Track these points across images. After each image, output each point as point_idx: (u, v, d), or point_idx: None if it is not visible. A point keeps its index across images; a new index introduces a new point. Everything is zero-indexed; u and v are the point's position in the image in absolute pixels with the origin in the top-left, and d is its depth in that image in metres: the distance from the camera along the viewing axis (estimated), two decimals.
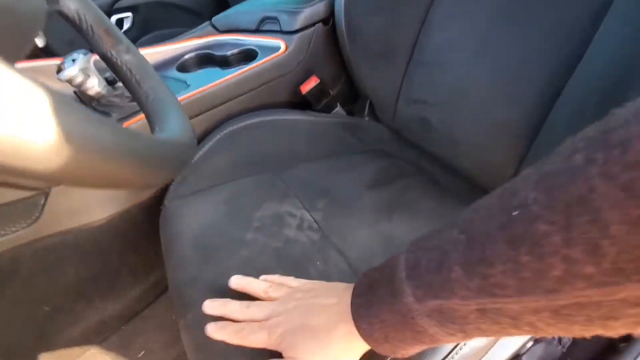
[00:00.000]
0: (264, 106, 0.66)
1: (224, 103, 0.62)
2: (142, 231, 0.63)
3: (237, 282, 0.36)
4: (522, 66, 0.46)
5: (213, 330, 0.31)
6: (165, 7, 1.20)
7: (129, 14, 1.16)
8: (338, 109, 0.72)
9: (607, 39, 0.38)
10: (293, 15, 0.62)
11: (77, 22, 0.33)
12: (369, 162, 0.62)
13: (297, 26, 0.62)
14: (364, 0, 0.59)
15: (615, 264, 0.13)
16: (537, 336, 0.17)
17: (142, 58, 0.33)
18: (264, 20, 0.66)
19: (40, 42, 0.61)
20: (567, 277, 0.14)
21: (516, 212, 0.16)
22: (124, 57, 0.33)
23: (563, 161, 0.15)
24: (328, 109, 0.71)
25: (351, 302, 0.25)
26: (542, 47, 0.44)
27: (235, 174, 0.57)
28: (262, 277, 0.37)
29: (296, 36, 0.63)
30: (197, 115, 0.60)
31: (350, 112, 0.79)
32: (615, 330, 0.15)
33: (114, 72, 0.33)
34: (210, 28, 0.71)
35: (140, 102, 0.32)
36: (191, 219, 0.51)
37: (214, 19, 0.71)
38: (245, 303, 0.32)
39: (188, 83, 0.61)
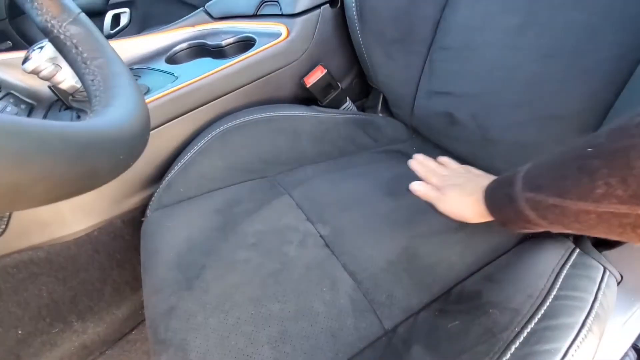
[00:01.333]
0: (262, 101, 0.58)
1: (217, 98, 0.54)
2: (127, 244, 0.56)
3: (417, 160, 0.46)
4: (582, 42, 0.37)
5: (414, 165, 0.45)
6: (164, 1, 1.14)
7: (126, 9, 1.10)
8: (348, 103, 0.64)
9: None
10: None
11: None
12: (385, 165, 0.54)
13: (300, 8, 0.54)
14: None
15: (635, 191, 0.20)
16: (591, 234, 0.26)
17: (94, 31, 0.26)
18: (262, 3, 0.58)
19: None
20: (606, 195, 0.22)
21: (590, 150, 0.23)
22: (70, 29, 0.25)
23: (630, 118, 0.21)
24: (336, 104, 0.62)
25: (484, 188, 0.35)
26: (611, 15, 0.34)
27: (228, 179, 0.49)
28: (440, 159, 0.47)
29: (299, 20, 0.55)
30: (187, 112, 0.52)
31: (361, 108, 0.71)
32: None
33: (57, 48, 0.26)
34: (203, 15, 0.63)
35: (85, 85, 0.24)
36: (175, 232, 0.43)
37: (207, 4, 0.63)
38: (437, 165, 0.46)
39: (176, 75, 0.53)
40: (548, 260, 0.35)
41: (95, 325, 0.57)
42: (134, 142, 0.20)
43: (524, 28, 0.42)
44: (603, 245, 0.39)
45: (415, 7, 0.50)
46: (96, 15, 1.08)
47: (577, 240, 0.39)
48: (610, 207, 0.22)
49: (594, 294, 0.32)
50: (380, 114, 0.66)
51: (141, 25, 1.12)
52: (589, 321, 0.29)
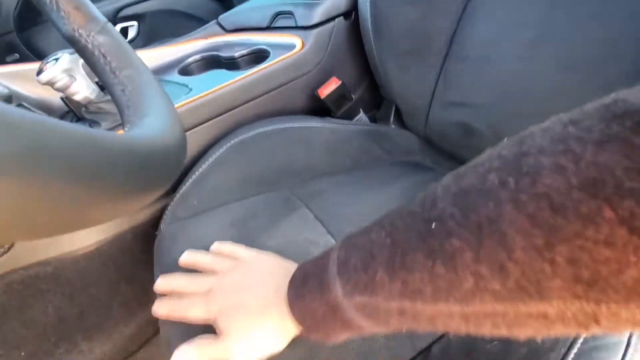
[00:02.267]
0: (276, 112, 0.57)
1: (231, 110, 0.53)
2: (136, 259, 0.54)
3: (186, 257, 0.35)
4: (602, 54, 0.37)
5: (156, 307, 0.31)
6: (172, 15, 1.15)
7: (134, 22, 1.11)
8: (361, 115, 0.63)
9: None
10: (310, 8, 0.54)
11: None
12: (401, 176, 0.53)
13: (314, 20, 0.54)
14: None
15: (518, 283, 0.14)
16: (452, 332, 0.19)
17: (122, 41, 0.25)
18: (277, 15, 0.58)
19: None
20: (476, 291, 0.16)
21: (434, 225, 0.17)
22: (98, 38, 0.25)
23: (479, 179, 0.16)
24: (350, 116, 0.62)
25: (287, 292, 0.26)
26: (631, 27, 0.34)
27: (244, 192, 0.48)
28: (213, 246, 0.37)
29: (314, 32, 0.55)
30: (201, 123, 0.51)
31: (372, 119, 0.70)
32: (520, 335, 0.16)
33: (84, 58, 0.25)
34: (216, 27, 0.63)
35: (114, 96, 0.23)
36: (191, 247, 0.41)
37: (220, 17, 0.63)
38: (191, 275, 0.32)
39: (190, 87, 0.53)
40: None
41: (101, 344, 0.55)
42: (180, 150, 0.19)
43: (541, 40, 0.42)
44: None
45: (430, 19, 0.50)
46: None
47: None
48: (482, 306, 0.16)
49: None
50: (393, 125, 0.66)
51: (148, 39, 1.13)
52: (633, 340, 0.28)
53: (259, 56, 0.59)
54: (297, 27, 0.56)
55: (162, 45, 0.60)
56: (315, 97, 0.59)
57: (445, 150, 0.57)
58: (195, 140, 0.52)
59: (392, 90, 0.60)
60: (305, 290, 0.24)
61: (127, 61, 0.24)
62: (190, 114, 0.50)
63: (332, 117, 0.60)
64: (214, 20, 0.64)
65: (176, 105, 0.49)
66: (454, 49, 0.51)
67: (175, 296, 0.31)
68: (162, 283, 0.33)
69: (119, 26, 1.09)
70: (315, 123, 0.55)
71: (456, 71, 0.51)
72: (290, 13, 0.56)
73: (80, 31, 0.25)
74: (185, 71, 0.60)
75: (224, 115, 0.53)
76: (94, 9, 0.26)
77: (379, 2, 0.52)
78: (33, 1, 0.25)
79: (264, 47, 0.58)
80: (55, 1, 0.25)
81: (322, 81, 0.58)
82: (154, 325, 0.61)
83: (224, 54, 0.61)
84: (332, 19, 0.56)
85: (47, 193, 0.11)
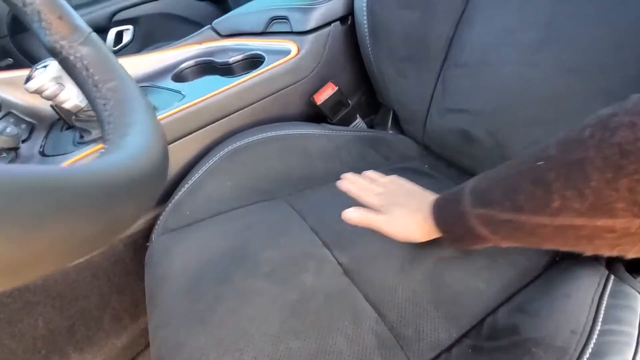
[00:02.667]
0: (272, 119, 0.56)
1: (225, 116, 0.52)
2: (128, 269, 0.53)
3: (346, 185, 0.42)
4: (607, 59, 0.36)
5: (343, 183, 0.42)
6: (168, 18, 1.14)
7: (130, 26, 1.10)
8: (358, 121, 0.62)
9: None
10: (306, 13, 0.54)
11: (20, 4, 0.24)
12: None
13: (310, 25, 0.53)
14: None
15: (592, 204, 0.20)
16: (544, 247, 0.25)
17: (106, 52, 0.24)
18: (272, 20, 0.57)
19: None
20: (562, 208, 0.22)
21: (539, 163, 0.24)
22: (81, 50, 0.23)
23: (578, 132, 0.22)
24: (346, 122, 0.61)
25: (433, 202, 0.34)
26: (637, 31, 0.33)
27: (238, 201, 0.47)
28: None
29: (309, 37, 0.54)
30: (194, 131, 0.50)
31: (370, 125, 0.69)
32: (598, 250, 0.22)
33: (67, 71, 0.24)
34: (210, 32, 0.62)
35: (96, 110, 0.22)
36: (183, 259, 0.40)
37: (215, 22, 0.62)
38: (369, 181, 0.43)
39: (183, 93, 0.52)
40: (583, 288, 0.33)
41: (92, 357, 0.53)
42: (157, 177, 0.18)
43: (544, 44, 0.40)
44: (636, 270, 0.37)
45: (428, 24, 0.49)
46: (99, 32, 1.07)
47: (610, 265, 0.37)
48: (566, 220, 0.22)
49: (637, 327, 0.29)
50: (390, 131, 0.65)
51: (144, 42, 1.11)
52: (638, 358, 0.27)
53: (254, 61, 0.58)
54: (292, 33, 0.55)
55: (155, 51, 0.59)
56: (311, 103, 0.58)
57: (444, 157, 0.56)
58: (188, 148, 0.51)
59: (389, 96, 0.59)
60: (445, 202, 0.33)
61: (111, 74, 0.23)
62: (183, 121, 0.49)
63: (329, 123, 0.59)
64: (209, 25, 0.63)
65: (168, 113, 0.48)
66: (453, 54, 0.50)
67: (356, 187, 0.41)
68: (350, 179, 0.43)
69: (114, 30, 1.07)
70: (311, 130, 0.54)
71: (455, 77, 0.50)
72: (285, 18, 0.55)
73: (62, 42, 0.23)
74: (179, 77, 0.59)
75: (218, 122, 0.52)
76: (78, 18, 0.25)
77: (375, 7, 0.51)
78: (13, 11, 0.24)
79: (259, 52, 0.57)
80: (37, 11, 0.24)
81: (318, 87, 0.57)
82: (145, 337, 0.60)
83: (218, 59, 0.60)
84: (328, 24, 0.55)
85: (26, 242, 0.10)
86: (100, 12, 1.04)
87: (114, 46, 1.09)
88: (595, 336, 0.27)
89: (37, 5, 0.24)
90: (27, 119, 0.50)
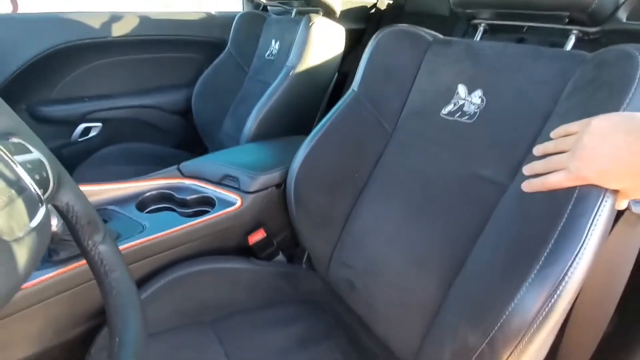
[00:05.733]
0: (213, 250, 0.72)
1: (175, 247, 0.67)
2: None
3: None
4: (427, 255, 0.59)
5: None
6: (135, 122, 1.31)
7: (99, 124, 1.24)
8: (280, 256, 0.80)
9: (488, 243, 0.51)
10: (252, 179, 0.75)
11: (65, 212, 0.39)
12: (301, 317, 0.69)
13: (254, 188, 0.74)
14: (310, 179, 0.73)
15: None
16: None
17: (116, 249, 0.40)
18: (226, 176, 0.77)
19: None
20: None
21: None
22: (100, 247, 0.39)
23: None
24: (270, 257, 0.79)
25: None
26: (441, 243, 0.57)
27: (172, 323, 0.59)
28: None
29: (252, 196, 0.74)
30: (145, 258, 0.64)
31: (290, 256, 0.88)
32: None
33: (86, 259, 0.39)
34: (176, 172, 0.80)
35: (103, 291, 0.37)
36: None
37: (181, 165, 0.80)
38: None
39: (145, 226, 0.66)
40: None
41: None
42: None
43: (394, 235, 0.64)
44: None
45: (334, 205, 0.72)
46: (70, 125, 1.19)
47: None
48: None
49: None
50: (304, 265, 0.84)
51: (109, 140, 1.25)
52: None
53: (206, 201, 0.76)
54: (239, 189, 0.75)
55: (125, 182, 0.74)
56: (245, 240, 0.76)
57: (340, 295, 0.76)
58: (137, 272, 0.64)
59: (305, 242, 0.79)
60: None
61: (117, 266, 0.38)
62: (139, 250, 0.63)
63: (256, 257, 0.77)
64: (175, 166, 0.81)
65: (130, 244, 0.61)
66: (348, 224, 0.72)
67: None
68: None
69: (82, 125, 1.20)
70: (241, 264, 0.71)
71: (348, 241, 0.72)
72: (236, 178, 0.75)
73: (89, 241, 0.39)
74: (142, 205, 0.74)
75: (164, 252, 0.66)
76: (100, 222, 0.41)
77: (300, 186, 0.74)
78: (61, 216, 0.40)
79: (212, 196, 0.75)
80: (76, 216, 0.40)
81: (253, 229, 0.76)
82: None
83: (178, 194, 0.76)
84: (267, 188, 0.76)
85: None
86: (74, 111, 1.18)
87: (79, 138, 1.21)
88: None
89: (77, 212, 0.40)
90: None
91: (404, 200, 0.65)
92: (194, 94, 1.28)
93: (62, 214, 0.39)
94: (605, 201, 0.40)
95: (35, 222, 0.28)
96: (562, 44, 0.58)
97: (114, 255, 0.39)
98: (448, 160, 0.61)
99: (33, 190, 0.29)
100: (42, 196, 0.30)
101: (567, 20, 0.54)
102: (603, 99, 0.43)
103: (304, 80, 1.02)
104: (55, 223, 0.58)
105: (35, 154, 0.35)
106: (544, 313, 0.40)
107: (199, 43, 1.40)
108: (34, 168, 0.34)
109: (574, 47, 0.56)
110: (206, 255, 0.70)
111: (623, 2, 0.49)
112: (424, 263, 0.59)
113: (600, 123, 0.38)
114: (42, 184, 0.34)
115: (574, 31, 0.55)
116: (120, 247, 0.60)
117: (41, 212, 0.29)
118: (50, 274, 0.54)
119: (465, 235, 0.55)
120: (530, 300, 0.40)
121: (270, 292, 0.71)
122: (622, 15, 0.49)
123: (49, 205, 0.37)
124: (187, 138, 1.42)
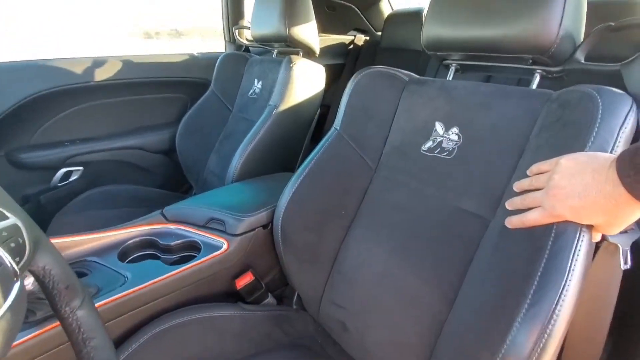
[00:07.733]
0: (199, 298, 0.70)
1: (159, 298, 0.65)
2: None
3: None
4: (417, 293, 0.59)
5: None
6: (117, 164, 1.29)
7: (80, 168, 1.22)
8: (269, 299, 0.78)
9: (475, 279, 0.51)
10: (238, 221, 0.74)
11: (42, 277, 0.38)
12: None
13: (240, 231, 0.73)
14: (297, 218, 0.73)
15: None
16: None
17: (95, 314, 0.38)
18: (211, 220, 0.76)
19: None
20: None
21: None
22: (77, 313, 0.37)
23: None
24: (259, 300, 0.77)
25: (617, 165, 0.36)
26: (430, 280, 0.57)
27: None
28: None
29: (238, 238, 0.73)
30: (125, 313, 0.61)
31: (280, 297, 0.86)
32: None
33: (63, 326, 0.37)
34: (160, 217, 0.79)
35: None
36: None
37: (165, 209, 0.79)
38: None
39: (127, 277, 0.64)
40: None
41: None
42: None
43: (383, 274, 0.64)
44: None
45: (321, 242, 0.72)
46: (51, 169, 1.17)
47: None
48: None
49: None
50: (295, 305, 0.82)
51: (90, 183, 1.22)
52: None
53: (192, 246, 0.74)
54: (225, 232, 0.74)
55: (106, 230, 0.72)
56: (232, 284, 0.74)
57: (332, 336, 0.73)
58: (117, 327, 0.60)
59: (294, 282, 0.78)
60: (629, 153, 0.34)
61: (95, 332, 0.36)
62: (122, 304, 0.60)
63: (244, 302, 0.75)
64: (159, 210, 0.79)
65: (110, 299, 0.59)
66: (337, 263, 0.72)
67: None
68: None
69: (63, 170, 1.18)
70: (228, 311, 0.69)
71: (338, 280, 0.71)
72: (222, 221, 0.75)
73: (65, 308, 0.37)
74: (125, 254, 0.71)
75: (151, 303, 0.64)
76: (80, 286, 0.39)
77: (287, 225, 0.73)
78: (37, 280, 0.38)
79: (198, 241, 0.74)
80: (53, 281, 0.38)
81: (240, 273, 0.74)
82: None
83: (162, 240, 0.75)
84: (254, 229, 0.75)
85: None
86: (55, 156, 1.16)
87: (60, 182, 1.19)
88: None
89: (55, 275, 0.38)
90: None
91: (391, 237, 0.65)
92: (178, 132, 1.28)
93: (39, 280, 0.38)
94: (583, 235, 0.42)
95: (9, 300, 0.27)
96: (528, 81, 0.61)
97: (93, 320, 0.37)
98: (431, 196, 0.62)
99: (8, 263, 0.28)
100: (17, 268, 0.29)
101: (530, 61, 0.57)
102: (569, 136, 0.45)
103: (287, 118, 1.04)
104: (30, 282, 0.56)
105: (11, 219, 0.34)
106: (536, 353, 0.40)
107: (183, 83, 1.42)
108: (10, 235, 0.33)
109: (539, 84, 0.59)
110: (192, 304, 0.68)
111: (579, 45, 0.53)
112: (414, 301, 0.59)
113: (568, 162, 0.40)
114: (18, 251, 0.33)
115: (538, 70, 0.58)
116: (100, 303, 0.58)
117: (16, 287, 0.28)
118: (25, 337, 0.51)
119: (454, 271, 0.55)
120: (522, 341, 0.40)
121: (259, 339, 0.68)
122: (580, 56, 0.53)
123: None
124: (171, 177, 1.41)
